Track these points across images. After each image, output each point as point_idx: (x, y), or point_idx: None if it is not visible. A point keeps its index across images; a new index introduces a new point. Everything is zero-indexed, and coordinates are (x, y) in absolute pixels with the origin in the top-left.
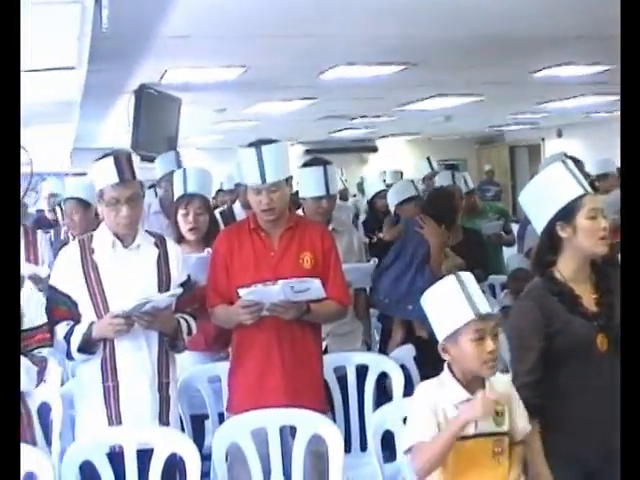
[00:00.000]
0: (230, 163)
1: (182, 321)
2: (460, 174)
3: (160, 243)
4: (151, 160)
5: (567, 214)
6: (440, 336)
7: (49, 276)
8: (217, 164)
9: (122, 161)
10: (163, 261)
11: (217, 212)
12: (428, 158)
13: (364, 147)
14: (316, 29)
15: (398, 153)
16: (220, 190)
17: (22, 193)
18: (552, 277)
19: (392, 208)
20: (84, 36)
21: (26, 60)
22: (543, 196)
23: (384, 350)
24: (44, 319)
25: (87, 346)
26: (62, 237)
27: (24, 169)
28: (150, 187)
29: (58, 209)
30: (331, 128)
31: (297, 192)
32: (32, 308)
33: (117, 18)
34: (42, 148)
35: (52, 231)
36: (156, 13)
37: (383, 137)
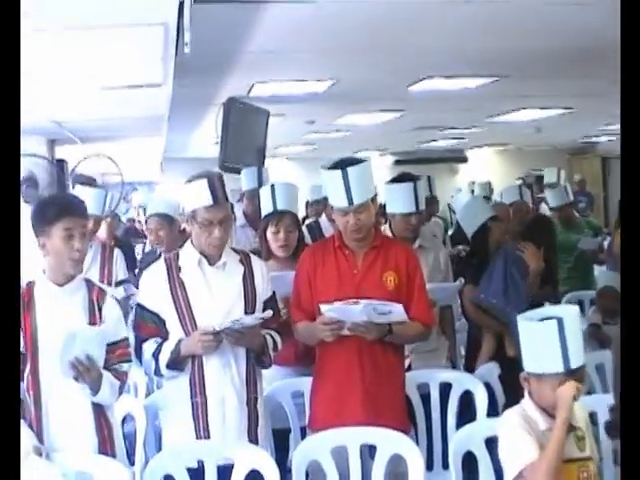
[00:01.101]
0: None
1: (268, 337)
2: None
3: (245, 260)
4: (238, 172)
5: None
6: (525, 367)
7: (128, 296)
8: (307, 174)
9: (216, 184)
10: (249, 278)
11: (304, 226)
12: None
13: (454, 157)
14: (405, 43)
15: (488, 163)
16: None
17: (114, 204)
18: None
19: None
20: (168, 56)
21: (114, 78)
22: None
23: (470, 368)
24: (124, 334)
25: (175, 363)
26: (149, 249)
27: (114, 179)
28: (238, 201)
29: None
30: (421, 139)
31: (383, 206)
32: (112, 324)
33: (204, 35)
34: (134, 159)
35: (143, 242)
36: (242, 29)
37: (473, 148)
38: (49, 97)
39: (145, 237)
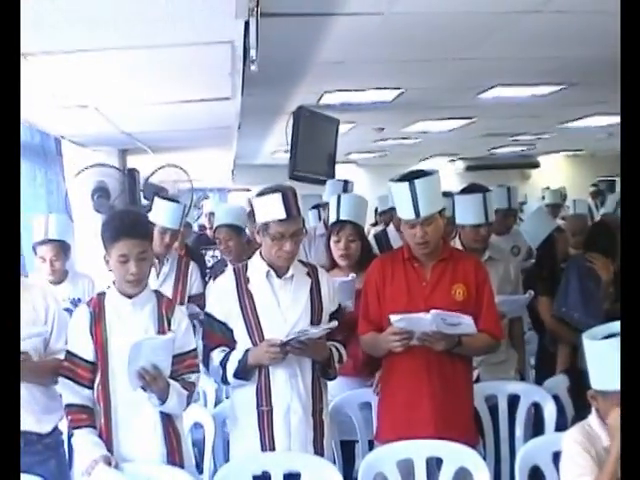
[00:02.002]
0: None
1: (334, 349)
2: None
3: (312, 273)
4: (308, 181)
5: None
6: (592, 384)
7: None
8: (378, 180)
9: (289, 198)
10: (315, 291)
11: (372, 236)
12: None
13: (526, 163)
14: (473, 53)
15: (561, 169)
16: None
17: (185, 210)
18: None
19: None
20: (236, 71)
21: (184, 92)
22: None
23: (539, 380)
24: (193, 345)
25: (243, 372)
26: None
27: (184, 185)
28: (312, 208)
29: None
30: (492, 145)
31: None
32: (181, 335)
33: (274, 46)
34: (205, 166)
35: (213, 249)
36: (311, 41)
37: (545, 153)
38: (120, 111)
39: (215, 244)
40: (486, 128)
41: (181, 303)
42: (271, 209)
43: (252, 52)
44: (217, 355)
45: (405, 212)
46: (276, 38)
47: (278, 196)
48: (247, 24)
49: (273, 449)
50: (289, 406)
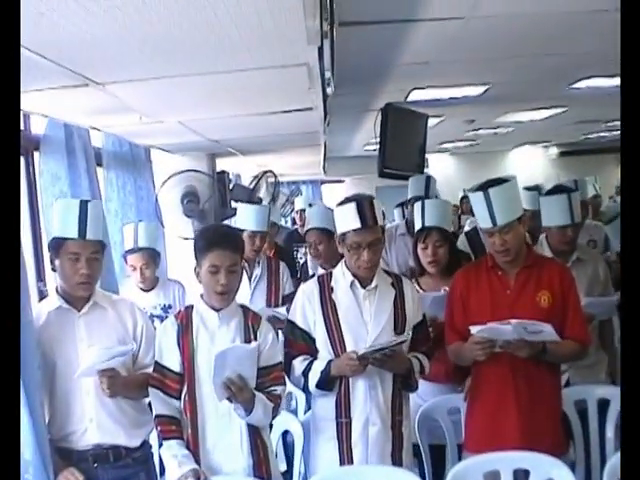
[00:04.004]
0: (485, 167)
1: (415, 361)
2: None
3: (397, 283)
4: (397, 178)
5: None
6: None
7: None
8: (471, 167)
9: (365, 207)
10: (399, 302)
11: (463, 234)
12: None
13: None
14: (557, 48)
15: None
16: (464, 197)
17: (270, 211)
18: None
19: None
20: (315, 87)
21: (268, 106)
22: None
23: None
24: (279, 358)
25: (325, 383)
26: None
27: (271, 179)
28: (397, 206)
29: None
30: (585, 130)
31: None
32: (267, 347)
33: (360, 50)
34: (297, 162)
35: (304, 246)
36: (393, 46)
37: None
38: (205, 125)
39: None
40: (579, 116)
41: (275, 305)
42: (347, 219)
43: (327, 74)
44: (299, 364)
45: (483, 221)
46: (359, 45)
47: (353, 206)
48: (320, 49)
49: (351, 461)
50: (368, 418)
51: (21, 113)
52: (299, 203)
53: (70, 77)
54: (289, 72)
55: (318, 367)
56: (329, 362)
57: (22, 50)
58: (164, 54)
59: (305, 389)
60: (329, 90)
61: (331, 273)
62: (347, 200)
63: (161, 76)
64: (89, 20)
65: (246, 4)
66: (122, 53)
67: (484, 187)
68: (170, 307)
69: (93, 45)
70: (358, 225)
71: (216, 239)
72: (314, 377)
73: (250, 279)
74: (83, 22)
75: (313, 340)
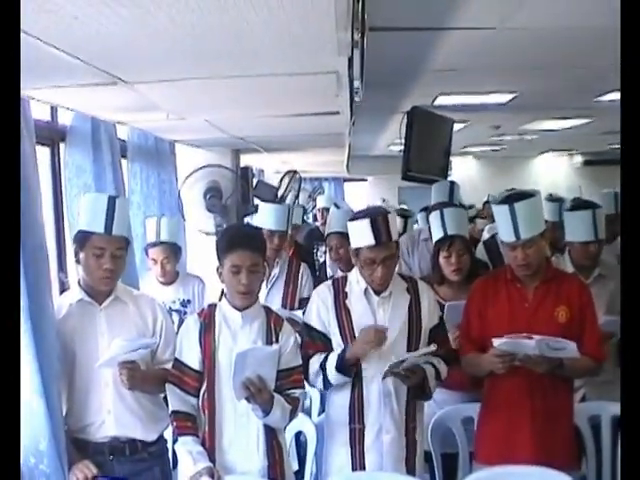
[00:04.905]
0: (508, 172)
1: (429, 367)
2: None
3: (412, 288)
4: (421, 181)
5: None
6: None
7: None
8: (495, 171)
9: (379, 223)
10: (415, 307)
11: (481, 243)
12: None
13: None
14: (590, 60)
15: None
16: (487, 202)
17: (306, 207)
18: None
19: None
20: (342, 95)
21: (295, 109)
22: None
23: None
24: (299, 362)
25: (343, 367)
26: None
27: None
28: (421, 211)
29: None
30: (610, 140)
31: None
32: (288, 350)
33: (389, 55)
34: (321, 159)
35: (323, 246)
36: (422, 53)
37: None
38: (232, 123)
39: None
40: (605, 127)
41: (291, 307)
42: (361, 235)
43: (356, 83)
44: (317, 359)
45: (506, 234)
46: (389, 50)
47: (367, 222)
48: (350, 59)
49: (363, 467)
50: (381, 425)
51: (48, 105)
52: (321, 201)
53: (100, 76)
54: (318, 79)
55: (333, 354)
56: (345, 347)
57: (55, 51)
58: (194, 57)
59: (324, 381)
60: (357, 97)
61: (346, 277)
62: (361, 215)
63: (190, 77)
64: (120, 24)
65: (277, 13)
66: (152, 55)
67: (509, 200)
68: (189, 302)
69: (124, 47)
70: (372, 242)
71: (238, 239)
72: (332, 362)
73: (267, 278)
74: (115, 26)
75: (330, 340)
